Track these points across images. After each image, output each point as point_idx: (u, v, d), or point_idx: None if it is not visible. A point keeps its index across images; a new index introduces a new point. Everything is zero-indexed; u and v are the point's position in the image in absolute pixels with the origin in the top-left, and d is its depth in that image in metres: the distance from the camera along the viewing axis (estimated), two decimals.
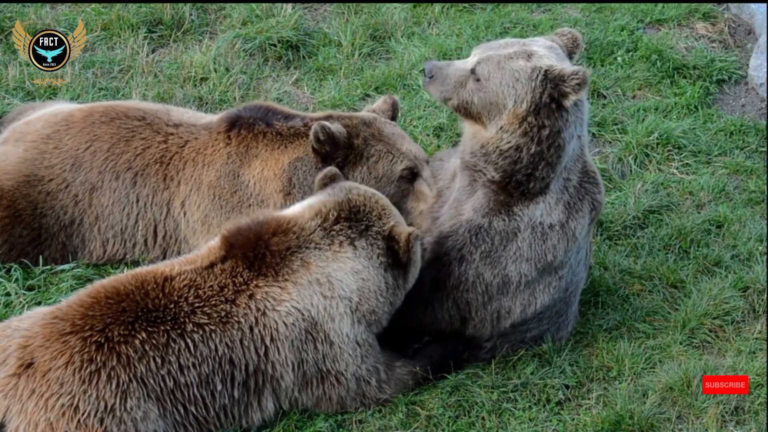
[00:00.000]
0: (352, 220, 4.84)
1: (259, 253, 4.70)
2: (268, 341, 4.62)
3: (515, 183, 4.97)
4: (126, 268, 5.56)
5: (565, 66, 4.83)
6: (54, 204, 5.61)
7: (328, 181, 5.01)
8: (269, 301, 4.63)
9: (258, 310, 4.62)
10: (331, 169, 5.08)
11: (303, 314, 4.67)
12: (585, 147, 5.12)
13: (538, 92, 4.77)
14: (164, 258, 5.67)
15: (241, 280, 4.66)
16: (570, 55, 5.05)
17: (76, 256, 5.71)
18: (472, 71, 4.95)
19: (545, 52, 4.88)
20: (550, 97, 4.77)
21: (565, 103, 4.78)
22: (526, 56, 4.84)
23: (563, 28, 5.22)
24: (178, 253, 5.66)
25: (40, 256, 5.64)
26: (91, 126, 5.72)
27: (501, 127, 4.90)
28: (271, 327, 4.62)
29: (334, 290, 4.73)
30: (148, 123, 5.74)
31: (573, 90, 4.73)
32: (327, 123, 5.34)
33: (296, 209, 4.92)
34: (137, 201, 5.63)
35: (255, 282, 4.66)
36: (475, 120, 5.01)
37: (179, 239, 5.68)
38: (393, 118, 5.77)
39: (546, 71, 4.76)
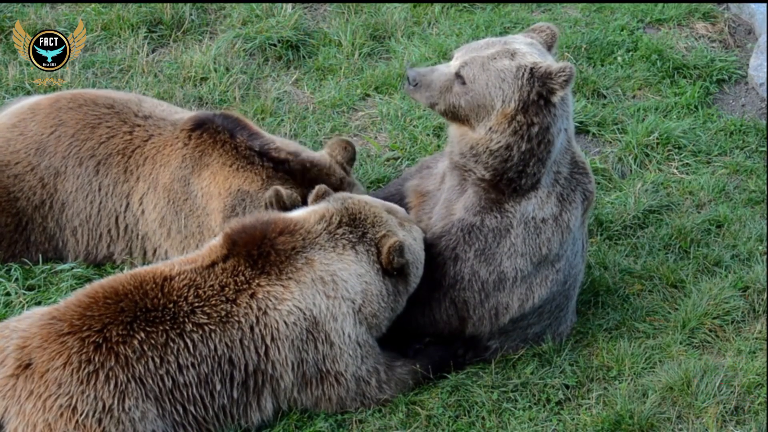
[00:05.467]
0: (351, 225, 4.86)
1: (264, 251, 4.71)
2: (268, 341, 4.62)
3: (506, 181, 4.97)
4: (127, 268, 5.57)
5: (550, 62, 4.84)
6: (22, 186, 5.62)
7: (320, 198, 5.03)
8: (271, 300, 4.63)
9: (259, 309, 4.62)
10: (322, 186, 5.09)
11: (305, 313, 4.67)
12: (572, 139, 5.12)
13: (525, 90, 4.78)
14: (131, 253, 5.68)
15: (242, 278, 4.66)
16: (549, 48, 5.06)
17: (59, 245, 5.71)
18: (457, 75, 4.95)
19: (527, 49, 4.89)
20: (538, 95, 4.78)
21: (553, 99, 4.78)
22: (509, 55, 4.84)
23: (540, 23, 5.22)
24: (143, 250, 5.66)
25: (31, 248, 5.67)
26: (58, 111, 5.71)
27: (490, 128, 4.90)
28: (272, 326, 4.62)
29: (338, 290, 4.73)
30: (116, 112, 5.71)
31: (560, 86, 4.73)
32: (282, 192, 5.21)
33: (301, 213, 4.94)
34: (99, 190, 5.62)
35: (257, 281, 4.66)
36: (463, 122, 5.02)
37: (141, 235, 5.66)
38: (351, 164, 5.72)
39: (531, 69, 4.77)
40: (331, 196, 5.03)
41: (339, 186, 5.52)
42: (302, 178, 5.47)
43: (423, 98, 5.08)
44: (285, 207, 5.22)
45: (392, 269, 4.85)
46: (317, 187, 5.09)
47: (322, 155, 5.66)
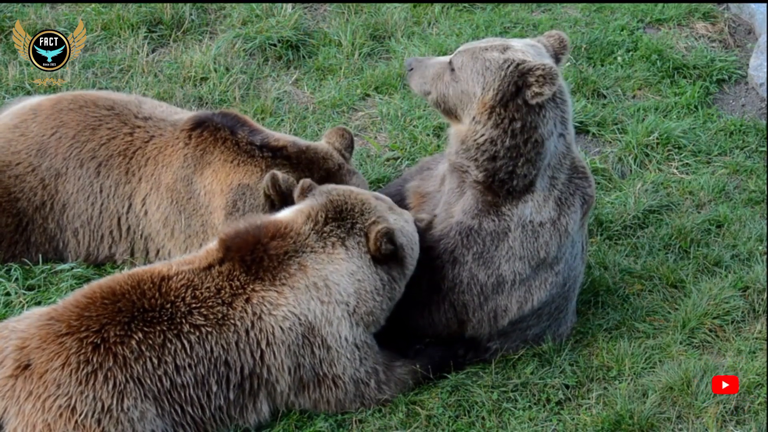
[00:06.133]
0: (338, 220, 4.84)
1: (257, 256, 4.70)
2: (263, 345, 4.62)
3: (499, 182, 4.97)
4: (127, 268, 5.57)
5: (538, 60, 4.83)
6: (23, 186, 5.62)
7: (306, 192, 5.00)
8: (266, 306, 4.63)
9: (254, 314, 4.61)
10: (306, 180, 5.06)
11: (300, 319, 4.67)
12: (572, 144, 5.11)
13: (505, 82, 4.77)
14: (132, 254, 5.69)
15: (237, 283, 4.65)
16: (557, 56, 5.05)
17: (59, 246, 5.71)
18: (449, 63, 4.98)
19: (522, 47, 4.89)
20: (516, 88, 4.77)
21: (527, 94, 4.76)
22: (501, 49, 4.86)
23: (552, 30, 5.23)
24: (146, 250, 5.67)
25: (31, 249, 5.67)
26: (59, 113, 5.71)
27: (473, 118, 4.91)
28: (267, 331, 4.62)
29: (332, 294, 4.72)
30: (117, 113, 5.72)
31: (537, 81, 4.71)
32: (278, 175, 5.25)
33: (288, 214, 4.92)
34: (101, 191, 5.62)
35: (252, 286, 4.66)
36: (454, 116, 5.04)
37: (144, 236, 5.66)
38: (350, 150, 5.73)
39: (518, 64, 4.77)
40: (315, 191, 4.98)
41: (337, 171, 5.54)
42: (298, 161, 5.49)
43: (417, 85, 5.13)
44: (282, 191, 5.22)
45: (382, 256, 4.82)
46: (301, 181, 5.06)
47: (320, 143, 5.69)
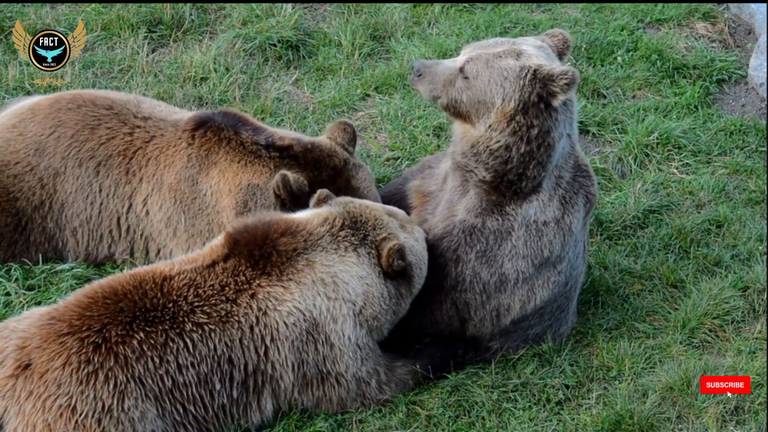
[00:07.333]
0: (354, 228, 4.86)
1: (265, 251, 4.71)
2: (268, 341, 4.62)
3: (507, 183, 4.97)
4: (127, 268, 5.57)
5: (554, 65, 4.82)
6: (22, 186, 5.62)
7: (322, 202, 5.05)
8: (271, 301, 4.63)
9: (259, 309, 4.62)
10: (323, 191, 5.10)
11: (305, 315, 4.67)
12: (575, 143, 5.12)
13: (526, 91, 4.77)
14: (132, 254, 5.69)
15: (243, 279, 4.66)
16: (560, 55, 5.06)
17: (59, 245, 5.71)
18: (461, 70, 4.95)
19: (534, 51, 4.88)
20: (539, 96, 4.77)
21: (554, 103, 4.77)
22: (515, 55, 4.84)
23: (554, 29, 5.23)
24: (146, 250, 5.67)
25: (31, 248, 5.67)
26: (57, 112, 5.71)
27: (490, 126, 4.90)
28: (271, 327, 4.62)
29: (339, 292, 4.73)
30: (116, 113, 5.72)
31: (561, 90, 4.72)
32: (289, 176, 5.26)
33: (304, 215, 4.94)
34: (100, 191, 5.62)
35: (257, 281, 4.66)
36: (465, 119, 5.02)
37: (144, 236, 5.66)
38: (353, 144, 5.73)
39: (535, 70, 4.76)
40: (333, 200, 5.03)
41: (344, 168, 5.54)
42: (305, 160, 5.50)
43: (426, 91, 5.08)
44: (292, 192, 5.23)
45: (392, 272, 4.85)
46: (318, 191, 5.10)
47: (323, 139, 5.69)
